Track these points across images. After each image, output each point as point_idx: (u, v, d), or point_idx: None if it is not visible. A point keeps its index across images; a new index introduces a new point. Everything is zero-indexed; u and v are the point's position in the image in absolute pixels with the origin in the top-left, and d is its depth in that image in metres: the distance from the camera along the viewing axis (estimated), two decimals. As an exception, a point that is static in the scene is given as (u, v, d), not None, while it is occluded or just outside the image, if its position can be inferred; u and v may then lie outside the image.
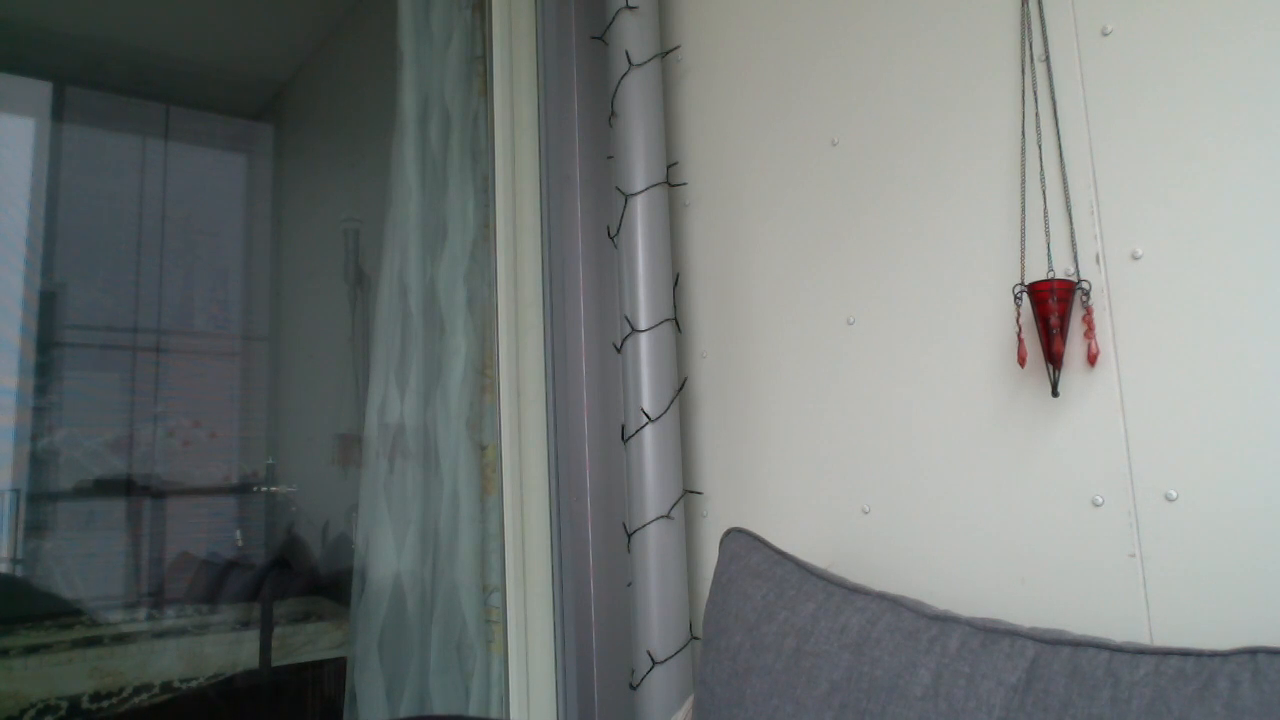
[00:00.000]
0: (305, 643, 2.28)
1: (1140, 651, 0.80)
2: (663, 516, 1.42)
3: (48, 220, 3.12)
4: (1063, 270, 1.03)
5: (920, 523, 1.17)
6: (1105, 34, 1.02)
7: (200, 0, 2.87)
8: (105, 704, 1.97)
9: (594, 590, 1.53)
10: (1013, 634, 0.88)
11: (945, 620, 0.93)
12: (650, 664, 1.38)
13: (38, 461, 2.92)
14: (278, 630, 2.22)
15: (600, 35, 1.63)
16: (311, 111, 3.42)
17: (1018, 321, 1.06)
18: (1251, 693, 0.71)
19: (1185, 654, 0.78)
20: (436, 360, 1.72)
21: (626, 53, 1.53)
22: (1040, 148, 1.07)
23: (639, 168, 1.48)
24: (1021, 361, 1.05)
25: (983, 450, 1.10)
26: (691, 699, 1.15)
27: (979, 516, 1.10)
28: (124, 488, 3.11)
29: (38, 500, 2.84)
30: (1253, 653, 0.74)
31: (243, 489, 3.41)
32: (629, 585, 1.47)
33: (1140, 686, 0.76)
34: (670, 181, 1.54)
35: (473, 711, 1.59)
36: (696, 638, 1.43)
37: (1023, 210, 1.08)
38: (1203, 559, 0.91)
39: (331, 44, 3.11)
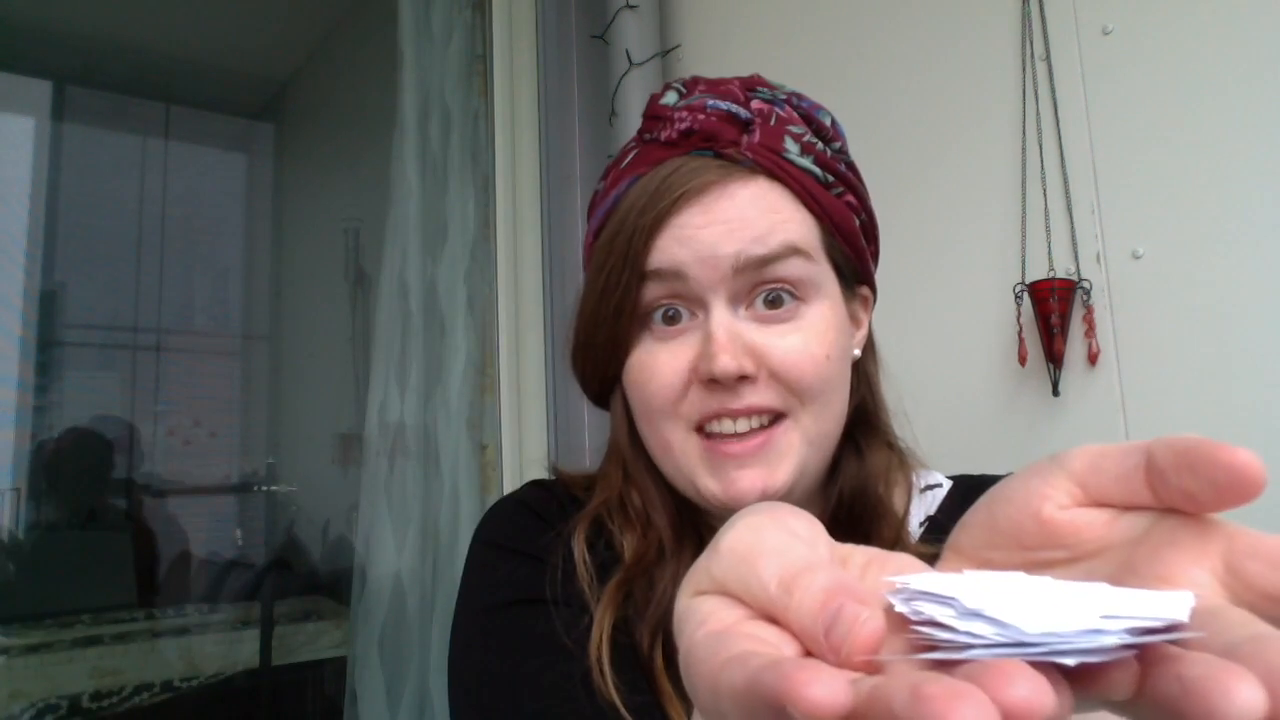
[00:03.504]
0: (305, 642, 2.28)
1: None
2: (663, 516, 1.41)
3: (48, 220, 3.11)
4: (1063, 269, 1.03)
5: (920, 523, 1.16)
6: (1106, 33, 1.02)
7: (200, 0, 2.87)
8: (105, 703, 1.97)
9: (594, 590, 1.53)
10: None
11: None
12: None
13: (38, 460, 2.92)
14: (278, 630, 2.22)
15: (600, 34, 1.62)
16: (311, 111, 3.42)
17: (1018, 321, 1.06)
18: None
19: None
20: (437, 360, 1.72)
21: (627, 52, 1.53)
22: (1041, 147, 1.06)
23: (639, 167, 1.48)
24: (1022, 361, 1.04)
25: (983, 449, 1.10)
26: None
27: (979, 516, 1.09)
28: (124, 487, 3.11)
29: (38, 499, 2.84)
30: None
31: (243, 488, 3.41)
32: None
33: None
34: (670, 181, 1.54)
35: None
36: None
37: (1023, 209, 1.07)
38: (1204, 559, 0.91)
39: (331, 44, 3.11)
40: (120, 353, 3.35)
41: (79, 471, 2.80)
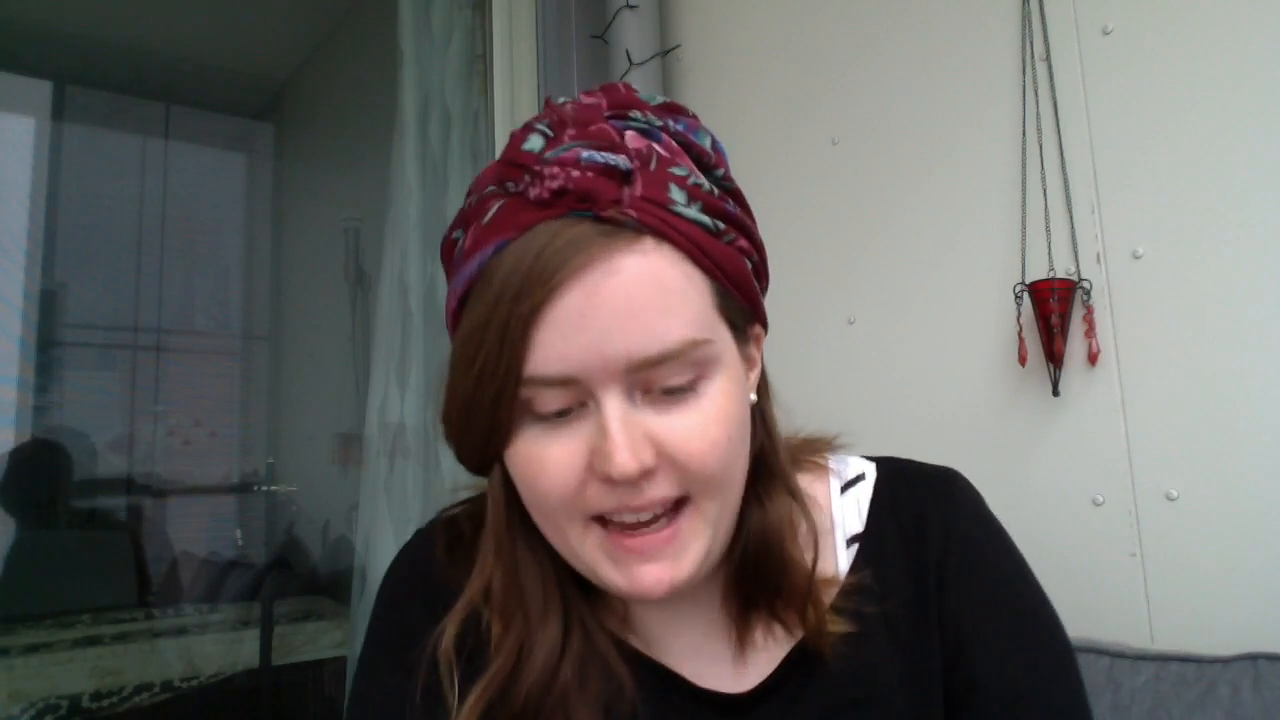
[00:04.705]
0: (305, 642, 2.28)
1: (1140, 657, 0.80)
2: (663, 517, 1.41)
3: (48, 220, 3.11)
4: (1064, 269, 1.03)
5: (920, 523, 1.16)
6: (1106, 32, 1.02)
7: (200, 0, 2.86)
8: (106, 703, 1.97)
9: (594, 590, 1.53)
10: (1013, 635, 0.87)
11: (945, 621, 0.93)
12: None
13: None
14: (278, 630, 2.22)
15: (600, 34, 1.62)
16: (312, 111, 3.42)
17: (1018, 321, 1.06)
18: (1253, 699, 0.71)
19: (1186, 660, 0.78)
20: (437, 359, 1.72)
21: (627, 52, 1.53)
22: (1041, 146, 1.06)
23: (639, 167, 1.47)
24: (1022, 361, 1.04)
25: (983, 449, 1.10)
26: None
27: (979, 517, 1.09)
28: (124, 487, 3.10)
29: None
30: (1253, 659, 0.74)
31: (243, 488, 3.41)
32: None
33: (1140, 693, 0.76)
34: (670, 181, 1.54)
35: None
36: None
37: (1023, 209, 1.07)
38: (1203, 558, 0.91)
39: (331, 43, 3.11)
40: (120, 353, 3.35)
41: (38, 478, 2.79)
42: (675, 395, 0.49)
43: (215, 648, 2.26)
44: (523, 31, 1.78)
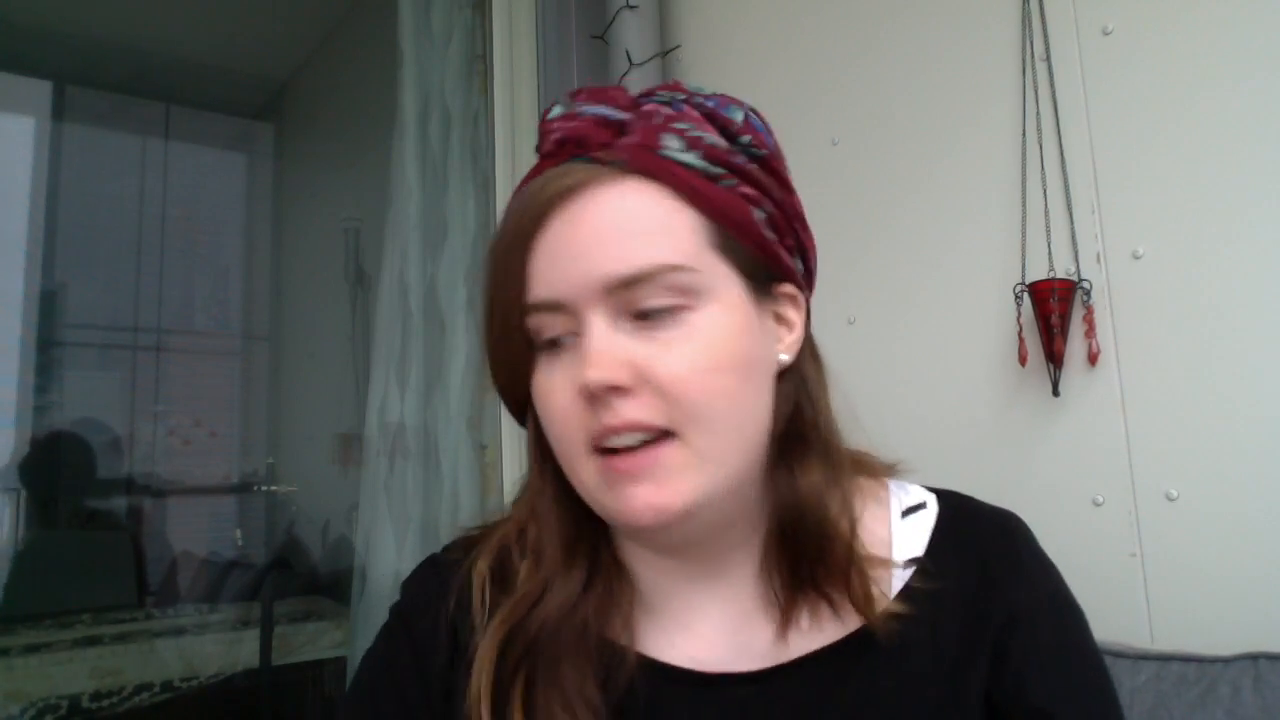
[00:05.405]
0: (305, 642, 2.28)
1: (1141, 657, 0.80)
2: (663, 517, 1.41)
3: (48, 220, 3.11)
4: (1064, 269, 1.03)
5: (920, 523, 1.16)
6: (1106, 33, 1.02)
7: (200, 0, 2.86)
8: (105, 703, 1.97)
9: (594, 590, 1.53)
10: (1013, 635, 0.87)
11: (945, 621, 0.93)
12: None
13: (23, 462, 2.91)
14: (278, 630, 2.22)
15: (601, 34, 1.62)
16: (312, 111, 3.42)
17: (1018, 321, 1.06)
18: (1253, 699, 0.71)
19: (1187, 659, 0.78)
20: (437, 359, 1.72)
21: (627, 52, 1.53)
22: (1041, 147, 1.06)
23: (639, 167, 1.47)
24: (1022, 361, 1.04)
25: (983, 449, 1.10)
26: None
27: (979, 517, 1.09)
28: (124, 487, 3.10)
29: (38, 499, 2.84)
30: (1254, 658, 0.74)
31: (243, 488, 3.41)
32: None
33: (1141, 692, 0.76)
34: (670, 181, 1.54)
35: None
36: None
37: (1023, 209, 1.07)
38: (1203, 558, 0.91)
39: (331, 43, 3.11)
40: (120, 353, 3.35)
41: (61, 473, 2.80)
42: (656, 320, 0.51)
43: (215, 648, 2.26)
44: (523, 31, 1.78)
